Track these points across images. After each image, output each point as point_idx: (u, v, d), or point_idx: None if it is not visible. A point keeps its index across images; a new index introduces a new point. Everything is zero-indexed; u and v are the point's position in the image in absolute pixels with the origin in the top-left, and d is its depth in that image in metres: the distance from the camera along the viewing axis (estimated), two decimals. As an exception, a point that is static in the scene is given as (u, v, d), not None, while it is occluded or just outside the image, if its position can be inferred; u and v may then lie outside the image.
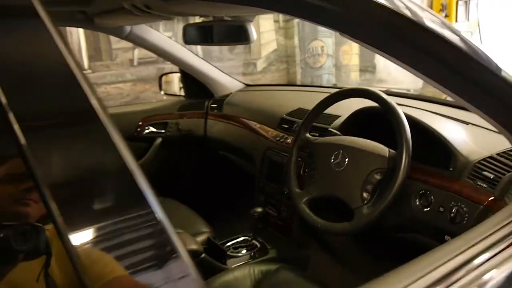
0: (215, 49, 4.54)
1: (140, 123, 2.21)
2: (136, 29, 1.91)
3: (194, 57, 2.20)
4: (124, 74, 4.29)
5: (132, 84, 4.26)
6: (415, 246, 1.32)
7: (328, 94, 1.40)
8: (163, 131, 2.26)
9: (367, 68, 5.89)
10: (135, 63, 4.30)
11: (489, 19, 6.03)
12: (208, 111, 2.34)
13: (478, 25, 6.12)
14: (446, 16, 6.12)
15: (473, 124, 1.35)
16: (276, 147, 1.72)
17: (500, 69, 0.82)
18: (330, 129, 1.47)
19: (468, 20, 6.13)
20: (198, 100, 2.36)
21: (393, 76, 5.94)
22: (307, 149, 1.40)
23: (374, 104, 1.27)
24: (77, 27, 3.04)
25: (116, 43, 4.32)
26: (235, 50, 4.82)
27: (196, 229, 1.67)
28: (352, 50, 5.71)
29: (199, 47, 4.43)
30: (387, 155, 1.17)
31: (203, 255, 1.46)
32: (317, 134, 1.56)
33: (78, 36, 4.29)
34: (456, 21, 5.98)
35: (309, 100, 1.98)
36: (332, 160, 1.27)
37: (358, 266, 1.58)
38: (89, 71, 4.23)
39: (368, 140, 1.27)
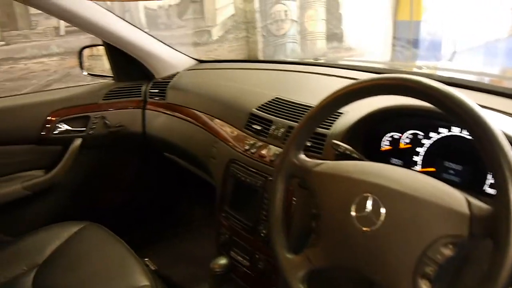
0: (161, 14, 3.82)
1: (49, 118, 1.56)
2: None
3: (123, 24, 1.56)
4: (48, 46, 3.46)
5: (60, 58, 3.45)
6: None
7: (334, 92, 0.73)
8: (83, 128, 1.63)
9: (334, 35, 5.34)
10: (62, 32, 3.47)
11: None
12: (146, 99, 1.72)
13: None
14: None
15: None
16: (245, 159, 1.13)
17: None
18: (334, 141, 0.89)
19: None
20: (133, 83, 1.74)
21: (363, 44, 5.44)
22: (300, 178, 0.81)
23: (414, 101, 0.69)
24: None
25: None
26: (186, 16, 4.10)
27: (128, 281, 1.09)
28: (318, 15, 5.11)
29: (141, 12, 3.68)
30: (467, 211, 0.60)
31: None
32: (308, 144, 0.99)
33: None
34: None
35: (290, 84, 1.40)
36: (353, 210, 0.69)
37: None
38: (2, 42, 3.39)
39: (430, 178, 0.66)
